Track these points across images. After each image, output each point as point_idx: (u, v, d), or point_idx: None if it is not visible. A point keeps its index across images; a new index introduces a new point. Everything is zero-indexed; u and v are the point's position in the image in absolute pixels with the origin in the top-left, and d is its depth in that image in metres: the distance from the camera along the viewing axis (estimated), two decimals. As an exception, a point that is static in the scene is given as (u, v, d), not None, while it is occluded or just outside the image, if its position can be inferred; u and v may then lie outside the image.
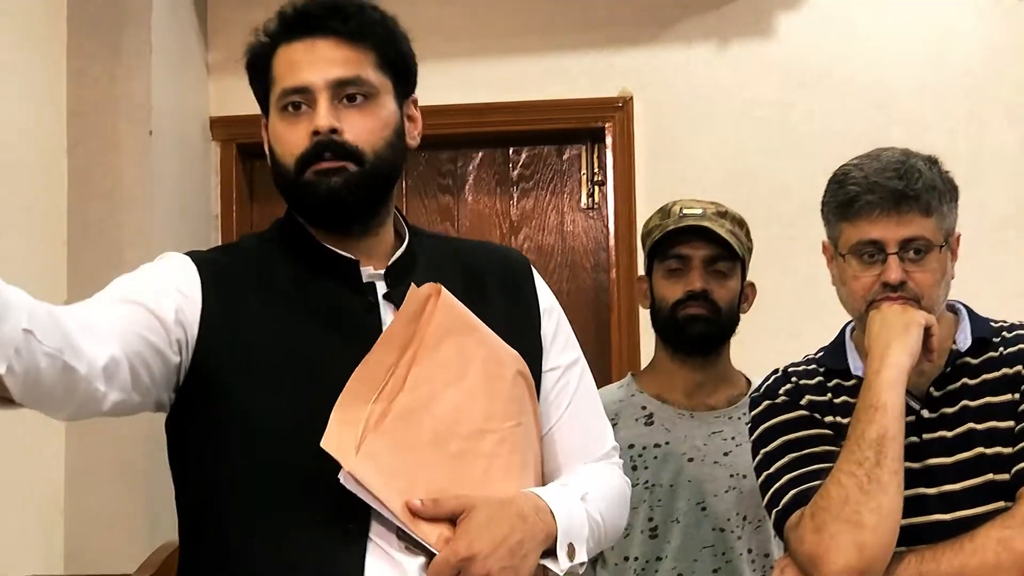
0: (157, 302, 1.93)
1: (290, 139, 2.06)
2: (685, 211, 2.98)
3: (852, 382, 2.38)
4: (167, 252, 2.12)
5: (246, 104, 3.66)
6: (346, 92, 2.05)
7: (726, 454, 2.97)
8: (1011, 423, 2.32)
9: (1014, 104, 4.09)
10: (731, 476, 2.96)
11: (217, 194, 4.37)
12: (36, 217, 3.82)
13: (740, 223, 3.01)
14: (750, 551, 2.99)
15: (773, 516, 2.37)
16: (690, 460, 2.96)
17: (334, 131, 2.03)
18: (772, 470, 2.39)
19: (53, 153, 3.89)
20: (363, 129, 2.06)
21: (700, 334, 2.96)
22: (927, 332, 2.25)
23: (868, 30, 4.14)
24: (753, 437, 2.47)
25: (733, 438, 2.98)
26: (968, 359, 2.37)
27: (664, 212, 3.03)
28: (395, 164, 2.12)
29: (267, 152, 2.16)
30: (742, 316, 3.02)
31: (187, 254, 2.12)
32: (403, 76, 2.14)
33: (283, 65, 2.08)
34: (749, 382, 3.02)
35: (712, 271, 2.94)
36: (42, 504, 3.82)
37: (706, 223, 2.93)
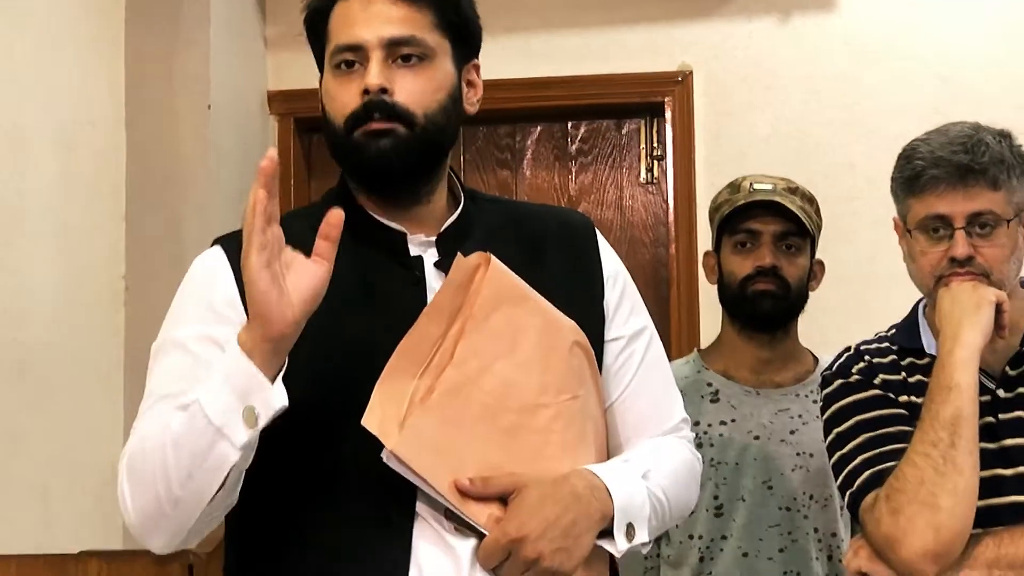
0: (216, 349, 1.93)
1: (341, 97, 2.03)
2: (756, 186, 2.98)
3: (926, 360, 2.33)
4: (199, 258, 2.08)
5: (304, 78, 3.68)
6: (400, 52, 2.01)
7: (792, 432, 2.94)
8: None
9: None
10: (798, 455, 2.94)
11: (275, 168, 4.31)
12: (95, 191, 3.81)
13: (810, 200, 3.00)
14: (816, 530, 2.96)
15: (847, 497, 2.35)
16: (756, 438, 2.94)
17: (384, 91, 1.99)
18: (846, 450, 2.37)
19: (112, 126, 3.88)
20: (415, 90, 2.02)
21: (769, 310, 2.94)
22: (998, 309, 2.22)
23: (932, 2, 4.09)
24: (825, 416, 2.44)
25: (800, 416, 2.95)
26: None
27: (734, 187, 3.02)
28: (448, 130, 2.09)
29: (323, 115, 2.13)
30: (810, 293, 3.01)
31: (219, 242, 2.10)
32: (463, 38, 2.10)
33: (339, 21, 2.05)
34: (816, 360, 3.00)
35: (782, 247, 2.93)
36: (101, 482, 3.68)
37: (777, 198, 2.92)
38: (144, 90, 3.92)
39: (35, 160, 3.54)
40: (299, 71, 4.07)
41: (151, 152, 3.92)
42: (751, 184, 2.99)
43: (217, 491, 1.80)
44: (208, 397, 1.79)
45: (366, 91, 1.98)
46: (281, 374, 1.82)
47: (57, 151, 3.63)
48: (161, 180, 3.89)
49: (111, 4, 3.93)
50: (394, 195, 2.07)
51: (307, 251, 1.84)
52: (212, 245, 2.08)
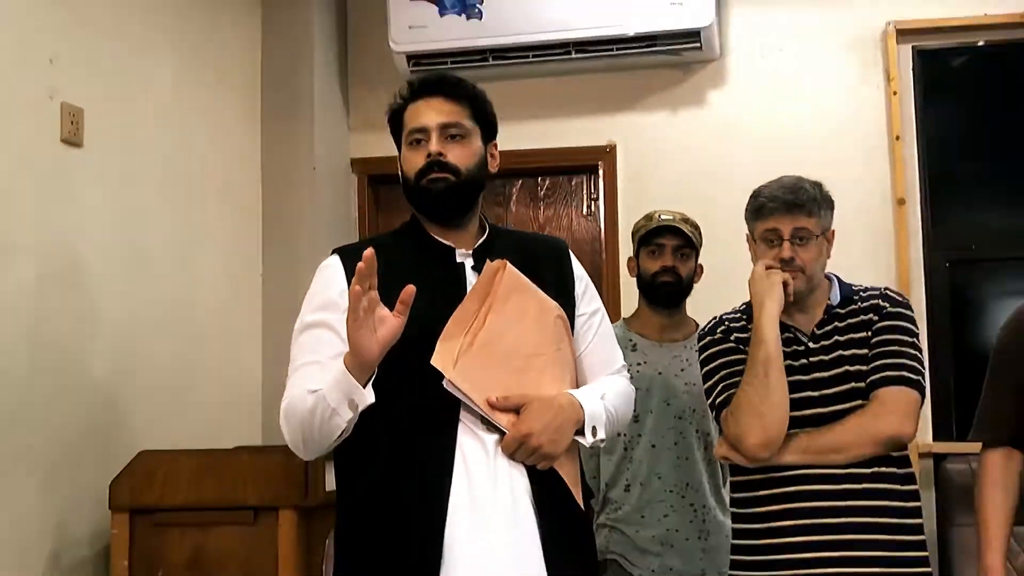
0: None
1: (413, 160, 2.23)
2: (662, 216, 3.22)
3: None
4: (322, 263, 2.27)
5: (375, 150, 4.30)
6: (449, 132, 2.22)
7: (682, 370, 3.18)
8: (866, 351, 2.47)
9: (867, 150, 4.22)
10: (685, 384, 3.16)
11: (355, 207, 4.46)
12: (245, 223, 4.06)
13: (695, 226, 3.24)
14: (697, 431, 3.18)
15: (713, 411, 2.58)
16: (659, 373, 3.18)
17: (441, 155, 2.20)
18: (712, 381, 2.58)
19: (253, 180, 4.13)
20: (459, 155, 2.22)
21: (669, 294, 3.21)
22: (785, 284, 2.45)
23: (772, 103, 4.31)
24: (700, 359, 2.65)
25: (687, 360, 3.16)
26: (838, 310, 2.54)
27: (648, 217, 3.25)
28: (479, 181, 2.27)
29: (400, 174, 2.29)
30: (695, 284, 3.26)
31: (336, 251, 2.28)
32: (488, 127, 2.31)
33: (411, 114, 2.25)
34: (697, 325, 3.14)
35: (678, 255, 3.19)
36: (245, 387, 4.02)
37: (676, 224, 3.18)
38: (273, 156, 4.16)
39: (205, 203, 3.79)
40: (371, 146, 4.43)
41: (279, 195, 4.13)
42: (659, 215, 3.22)
43: (339, 436, 2.05)
44: (327, 391, 2.00)
45: (429, 155, 2.20)
46: (370, 382, 2.00)
47: (220, 198, 3.89)
48: (285, 215, 4.12)
49: (252, 107, 4.14)
50: (446, 221, 2.26)
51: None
52: (332, 254, 2.28)
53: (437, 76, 2.31)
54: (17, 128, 2.88)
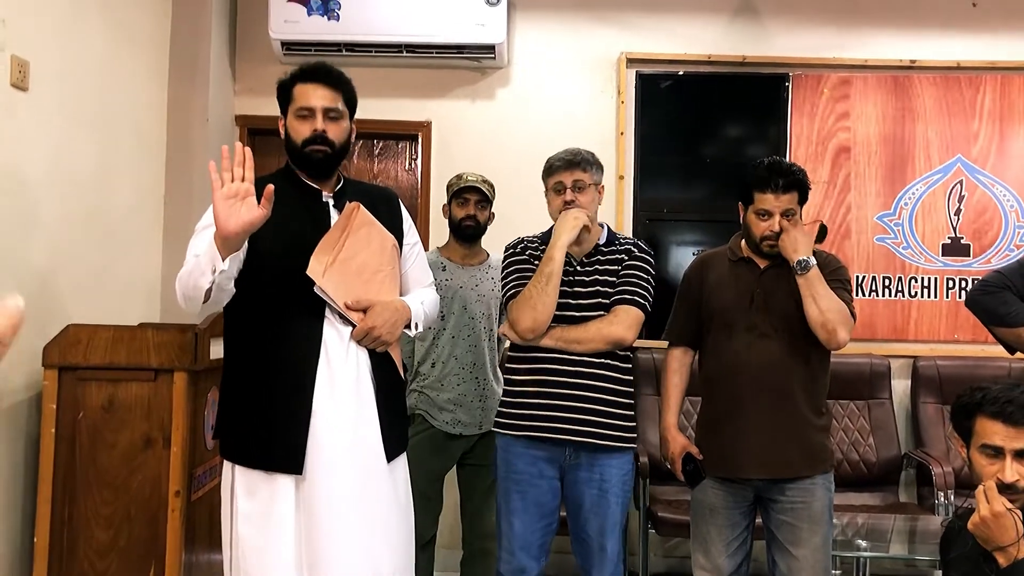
0: None
1: (301, 130, 2.16)
2: (469, 178, 3.17)
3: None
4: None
5: (255, 109, 4.14)
6: (330, 114, 2.17)
7: (476, 285, 3.15)
8: (614, 279, 2.49)
9: (602, 140, 4.18)
10: (478, 295, 3.13)
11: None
12: (153, 157, 3.83)
13: (491, 185, 3.19)
14: (484, 328, 3.14)
15: (503, 299, 2.55)
16: (461, 287, 3.13)
17: (324, 132, 2.15)
18: (508, 280, 2.56)
19: (158, 131, 3.91)
20: (336, 132, 2.17)
21: (471, 234, 3.16)
22: (584, 227, 2.48)
23: (540, 101, 4.26)
24: (503, 264, 2.61)
25: (480, 278, 3.16)
26: (603, 248, 2.55)
27: (459, 177, 3.20)
28: (347, 150, 2.23)
29: (283, 135, 2.21)
30: (488, 226, 3.19)
31: None
32: (352, 108, 2.25)
33: (299, 93, 2.17)
34: (488, 254, 3.21)
35: (478, 206, 3.14)
36: (148, 279, 3.79)
37: (477, 185, 3.14)
38: (177, 109, 3.95)
39: (122, 140, 3.54)
40: (252, 105, 4.27)
41: (179, 139, 3.95)
42: (467, 176, 3.18)
43: (205, 296, 1.96)
44: (201, 256, 1.97)
45: (315, 130, 2.14)
46: (231, 255, 1.92)
47: (135, 138, 3.66)
48: (183, 155, 3.93)
49: (162, 65, 3.90)
50: (320, 177, 2.22)
51: (277, 194, 1.94)
52: None
53: (324, 68, 2.20)
54: (-26, 73, 2.64)
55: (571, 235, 2.44)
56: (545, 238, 2.58)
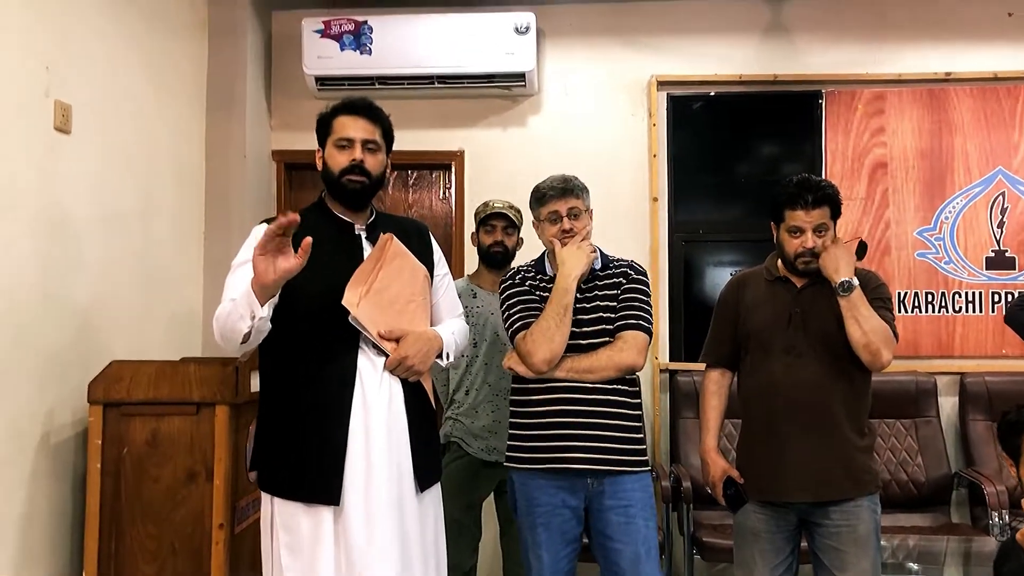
0: None
1: (339, 159, 2.18)
2: (495, 205, 3.17)
3: (546, 276, 2.53)
4: (255, 228, 2.19)
5: (290, 144, 4.14)
6: (368, 146, 2.19)
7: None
8: (615, 304, 2.46)
9: (634, 163, 4.20)
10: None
11: (274, 186, 4.28)
12: (193, 199, 3.90)
13: (518, 211, 3.17)
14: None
15: (510, 332, 2.51)
16: (492, 314, 3.09)
17: (362, 161, 2.17)
18: (510, 312, 2.52)
19: (197, 168, 3.94)
20: (373, 164, 2.20)
21: (498, 256, 3.13)
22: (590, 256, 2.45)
23: (572, 127, 4.25)
24: (501, 296, 2.58)
25: None
26: (599, 273, 2.52)
27: (485, 204, 3.21)
28: (381, 182, 2.25)
29: (320, 164, 2.23)
30: (517, 252, 3.16)
31: (264, 220, 2.19)
32: (389, 143, 2.28)
33: (339, 124, 2.20)
34: None
35: (505, 232, 3.14)
36: (189, 315, 3.84)
37: (504, 211, 3.15)
38: (214, 146, 3.99)
39: (162, 179, 3.60)
40: (287, 140, 4.31)
41: (218, 175, 3.98)
42: (493, 204, 3.19)
43: (243, 339, 1.98)
44: (238, 300, 1.97)
45: (353, 160, 2.16)
46: (269, 303, 1.95)
47: (174, 175, 3.70)
48: (221, 190, 3.97)
49: (200, 104, 3.94)
50: (354, 208, 2.23)
51: (304, 226, 1.94)
52: (261, 222, 2.21)
53: (364, 102, 2.24)
54: (20, 119, 2.73)
55: (584, 268, 2.43)
56: (540, 267, 2.57)
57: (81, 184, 3.03)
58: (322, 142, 2.25)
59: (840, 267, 2.40)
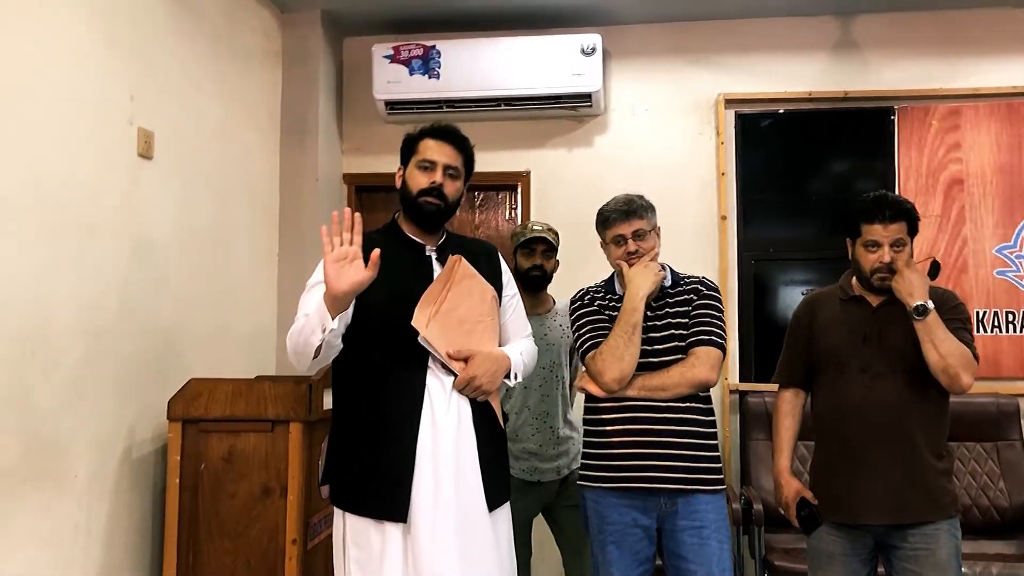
0: None
1: (420, 180, 2.21)
2: (534, 228, 3.17)
3: (616, 296, 2.52)
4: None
5: (361, 168, 4.19)
6: (449, 171, 2.22)
7: (545, 335, 3.09)
8: (687, 320, 2.45)
9: (702, 181, 4.19)
10: (547, 344, 3.07)
11: (345, 208, 4.21)
12: (267, 217, 3.97)
13: (556, 233, 3.17)
14: (555, 377, 3.11)
15: (579, 353, 2.51)
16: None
17: (441, 185, 2.20)
18: (581, 331, 2.52)
19: (271, 192, 4.03)
20: (451, 189, 2.23)
21: (537, 279, 3.13)
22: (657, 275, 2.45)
23: (638, 147, 4.26)
24: (572, 316, 2.58)
25: (548, 326, 3.13)
26: (669, 291, 2.51)
27: (524, 227, 3.20)
28: (456, 208, 2.27)
29: (399, 183, 2.26)
30: (555, 273, 3.17)
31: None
32: (470, 172, 2.32)
33: (424, 147, 2.23)
34: (554, 301, 3.18)
35: (544, 254, 3.13)
36: (263, 333, 3.90)
37: (544, 235, 3.15)
38: (288, 170, 4.06)
39: (239, 201, 3.69)
40: (358, 164, 4.39)
41: (291, 198, 4.05)
42: (532, 226, 3.17)
43: (315, 353, 2.01)
44: (311, 314, 2.01)
45: (433, 182, 2.20)
46: (340, 317, 1.98)
47: (250, 198, 3.80)
48: (295, 212, 4.05)
49: (274, 129, 4.03)
50: (427, 229, 2.25)
51: (370, 253, 1.97)
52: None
53: (452, 128, 2.28)
54: (106, 145, 2.84)
55: (651, 287, 2.43)
56: (609, 287, 2.58)
57: (162, 208, 3.12)
58: (405, 161, 2.28)
59: (914, 290, 2.36)
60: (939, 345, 2.33)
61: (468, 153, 2.28)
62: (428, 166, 2.22)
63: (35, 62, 2.50)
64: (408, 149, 2.28)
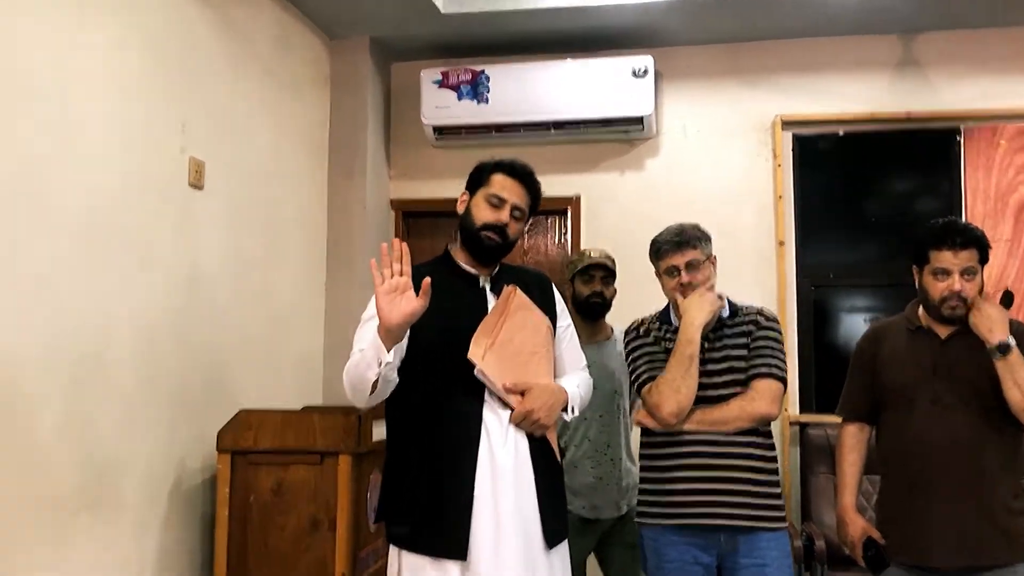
0: None
1: (485, 214, 2.20)
2: (593, 254, 3.17)
3: (671, 327, 2.48)
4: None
5: (409, 193, 4.22)
6: (515, 211, 2.22)
7: (605, 363, 3.07)
8: (745, 352, 2.41)
9: (759, 205, 4.16)
10: (607, 373, 3.08)
11: (392, 234, 4.31)
12: (314, 243, 4.00)
13: (613, 260, 3.17)
14: (616, 406, 3.11)
15: (635, 385, 2.49)
16: (589, 365, 2.72)
17: (506, 225, 2.20)
18: (636, 364, 2.51)
19: (320, 214, 4.06)
20: (514, 229, 2.22)
21: (597, 306, 3.13)
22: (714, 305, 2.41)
23: (692, 170, 4.24)
24: (627, 348, 2.56)
25: (608, 354, 3.11)
26: (727, 322, 2.47)
27: (582, 254, 3.21)
28: (513, 246, 2.27)
29: (462, 208, 2.25)
30: (614, 300, 3.16)
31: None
32: (532, 213, 2.32)
33: (497, 181, 2.22)
34: (612, 329, 3.18)
35: (603, 280, 3.13)
36: (311, 362, 3.92)
37: (603, 261, 3.15)
38: (336, 197, 4.09)
39: (287, 228, 3.73)
40: (406, 189, 4.42)
41: (339, 224, 4.08)
42: (590, 253, 3.18)
43: (371, 388, 2.00)
44: (366, 350, 2.00)
45: (499, 220, 2.19)
46: (395, 349, 1.97)
47: (298, 225, 3.83)
48: (343, 239, 4.06)
49: (322, 157, 4.06)
50: (482, 262, 2.25)
51: (436, 280, 1.98)
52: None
53: (528, 169, 2.28)
54: (158, 175, 2.89)
55: (707, 317, 2.40)
56: (664, 317, 2.56)
57: (212, 237, 3.17)
58: (472, 188, 2.28)
59: (994, 326, 2.29)
60: (1022, 384, 2.25)
61: (536, 196, 2.28)
62: (496, 203, 2.22)
63: (89, 94, 2.55)
64: (478, 176, 2.27)
